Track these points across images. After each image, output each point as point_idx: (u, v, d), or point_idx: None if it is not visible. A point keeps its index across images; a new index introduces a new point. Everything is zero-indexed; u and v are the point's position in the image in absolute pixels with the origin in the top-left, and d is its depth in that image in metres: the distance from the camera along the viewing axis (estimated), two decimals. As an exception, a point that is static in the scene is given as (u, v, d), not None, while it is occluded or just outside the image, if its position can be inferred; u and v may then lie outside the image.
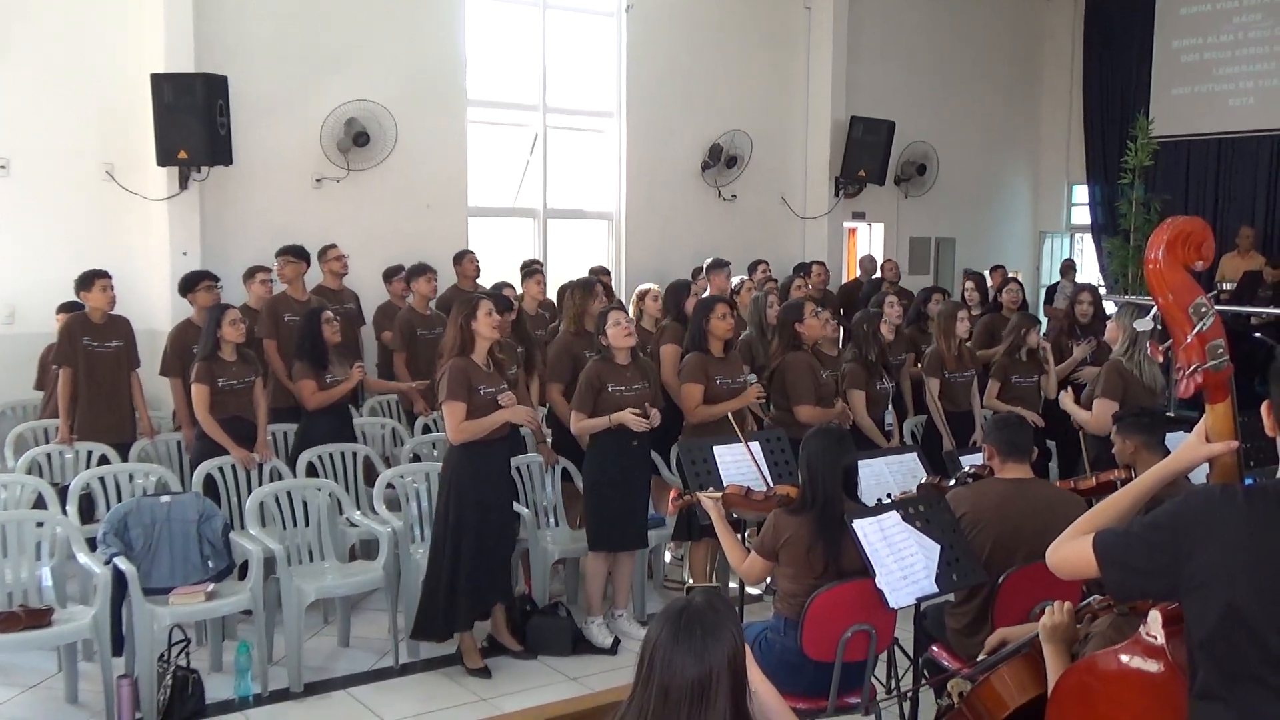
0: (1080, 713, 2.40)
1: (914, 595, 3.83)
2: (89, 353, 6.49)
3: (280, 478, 5.92)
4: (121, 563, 4.85)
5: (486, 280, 8.51)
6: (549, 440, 6.43)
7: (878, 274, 11.10)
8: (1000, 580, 3.96)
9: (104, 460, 6.25)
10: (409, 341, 7.58)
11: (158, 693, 4.76)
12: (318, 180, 8.71)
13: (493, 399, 5.13)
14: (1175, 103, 13.20)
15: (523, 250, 9.94)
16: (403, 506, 5.79)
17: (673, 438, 6.10)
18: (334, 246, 8.01)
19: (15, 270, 7.64)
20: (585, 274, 8.42)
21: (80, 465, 6.26)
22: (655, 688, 2.09)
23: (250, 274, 7.38)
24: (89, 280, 6.50)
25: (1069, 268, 12.70)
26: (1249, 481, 2.26)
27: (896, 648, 4.52)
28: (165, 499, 5.25)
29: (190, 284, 6.96)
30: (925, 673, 4.18)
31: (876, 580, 3.74)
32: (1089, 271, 13.81)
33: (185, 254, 7.89)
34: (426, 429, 7.10)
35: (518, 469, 6.01)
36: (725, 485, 4.61)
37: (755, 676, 2.28)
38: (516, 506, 5.78)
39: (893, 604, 3.77)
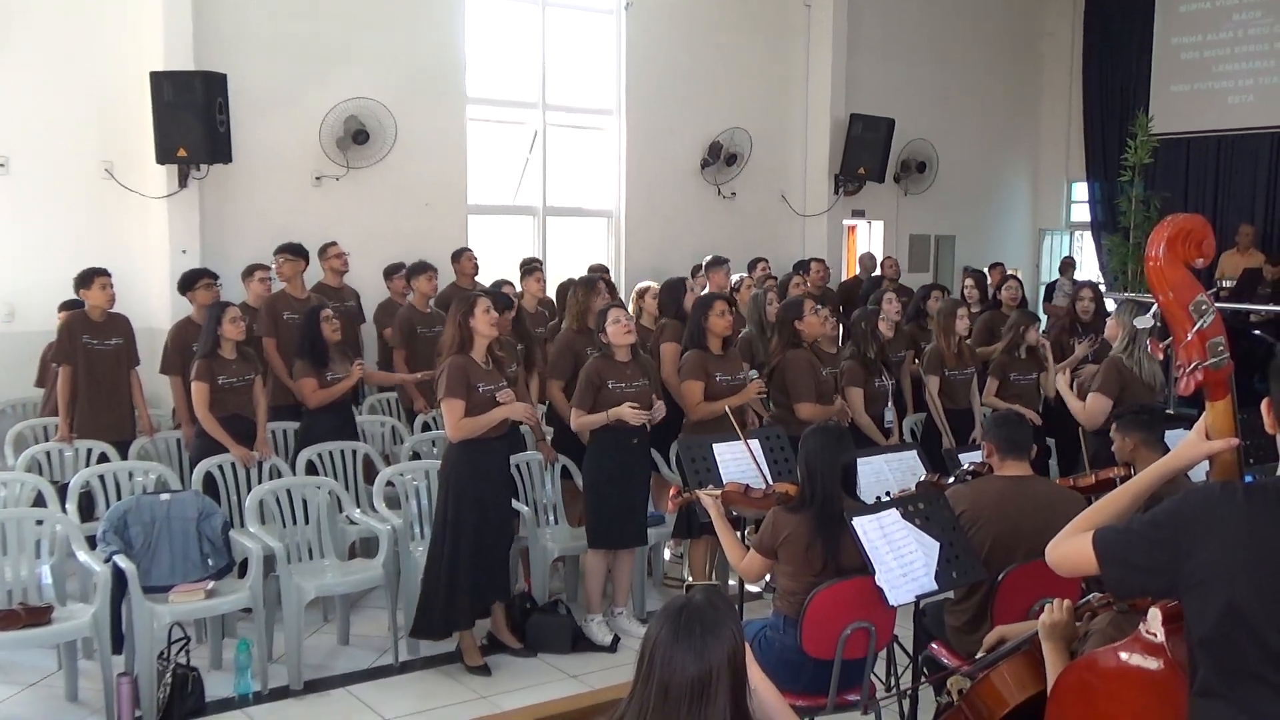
0: (1080, 710, 2.40)
1: (913, 593, 3.83)
2: (88, 351, 6.49)
3: (280, 476, 5.93)
4: (121, 561, 4.85)
5: (486, 278, 8.51)
6: (549, 438, 6.43)
7: (877, 271, 11.10)
8: (1000, 578, 3.96)
9: (103, 458, 6.25)
10: (409, 339, 7.59)
11: (157, 691, 4.76)
12: (317, 178, 8.71)
13: (491, 396, 5.13)
14: (1175, 100, 13.20)
15: (522, 248, 9.94)
16: (402, 504, 5.79)
17: (672, 436, 6.10)
18: (334, 244, 8.01)
19: (15, 268, 7.64)
20: (585, 272, 8.44)
21: (80, 463, 6.26)
22: (655, 685, 2.09)
23: (249, 272, 7.37)
24: (88, 278, 6.50)
25: (1068, 265, 12.70)
26: (1249, 479, 2.26)
27: (896, 645, 4.52)
28: (165, 497, 5.25)
29: (190, 282, 6.96)
30: (925, 670, 4.18)
31: (876, 578, 3.74)
32: (1088, 269, 13.82)
33: (185, 252, 7.89)
34: (426, 427, 7.10)
35: (517, 467, 6.01)
36: (724, 483, 4.61)
37: (755, 674, 2.28)
38: (516, 504, 5.79)
39: (892, 601, 3.77)
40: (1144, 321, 5.64)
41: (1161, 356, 5.78)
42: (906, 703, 4.28)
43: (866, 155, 11.54)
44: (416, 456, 6.44)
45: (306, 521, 5.55)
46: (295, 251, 7.47)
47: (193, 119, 7.65)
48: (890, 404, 6.70)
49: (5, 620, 4.55)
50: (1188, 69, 13.18)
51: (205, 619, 5.34)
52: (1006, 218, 14.16)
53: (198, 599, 4.95)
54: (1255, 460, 3.25)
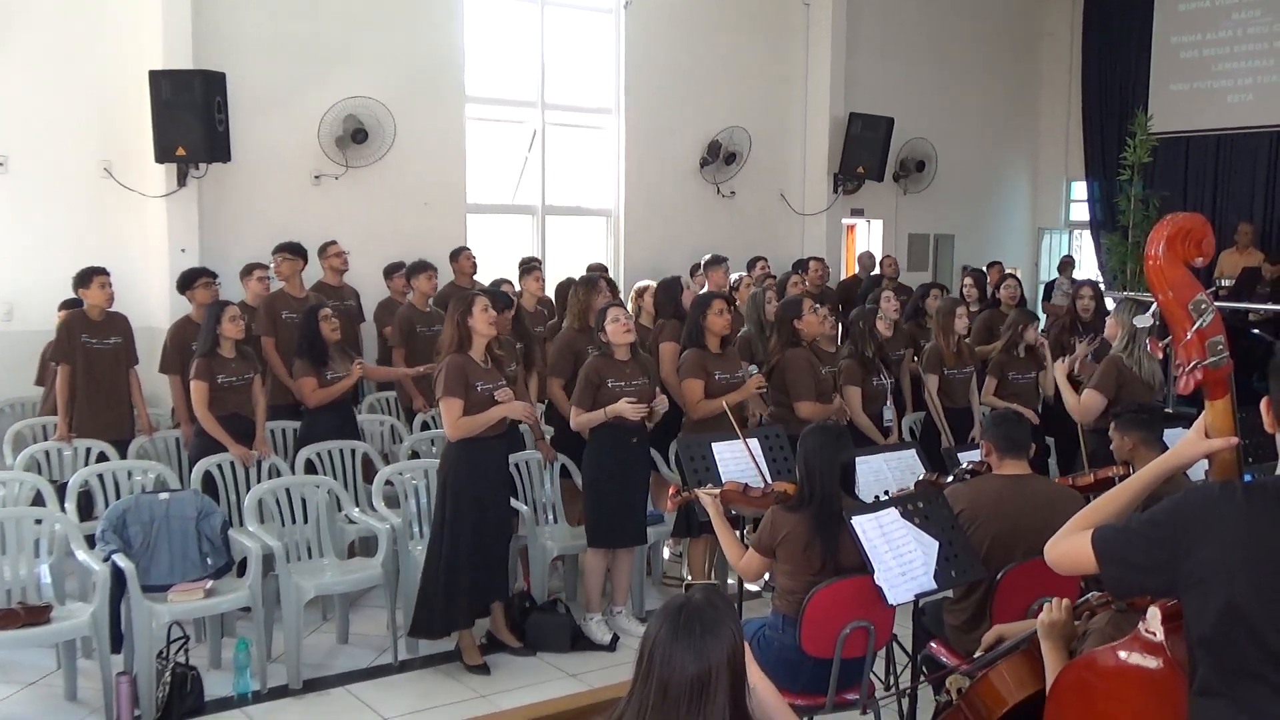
0: (1079, 709, 2.39)
1: (912, 592, 3.83)
2: (87, 350, 6.49)
3: (279, 475, 5.93)
4: (120, 560, 4.85)
5: (485, 277, 8.51)
6: (549, 437, 6.43)
7: (876, 270, 11.11)
8: (999, 576, 3.96)
9: (102, 457, 6.25)
10: (408, 338, 7.58)
11: (156, 690, 4.76)
12: (316, 177, 8.70)
13: (490, 395, 5.13)
14: (1174, 99, 13.20)
15: (521, 247, 9.93)
16: (401, 503, 5.79)
17: (671, 435, 6.11)
18: (334, 243, 8.02)
19: (14, 267, 7.64)
20: (584, 271, 8.44)
21: (79, 462, 6.25)
22: (654, 684, 2.09)
23: (247, 271, 7.37)
24: (87, 277, 6.50)
25: (1067, 264, 12.70)
26: (1248, 478, 2.26)
27: (895, 644, 4.52)
28: (164, 496, 5.25)
29: (189, 281, 6.96)
30: (924, 669, 4.18)
31: (875, 577, 3.74)
32: (1088, 268, 13.82)
33: (184, 251, 7.89)
34: (425, 426, 7.10)
35: (516, 466, 6.01)
36: (723, 482, 4.61)
37: (754, 674, 2.28)
38: (515, 503, 5.79)
39: (891, 600, 3.77)
40: (1143, 320, 5.64)
41: (1161, 355, 5.78)
42: (905, 702, 4.28)
43: (865, 154, 11.54)
44: (415, 455, 6.44)
45: (305, 521, 5.55)
46: (294, 250, 7.47)
47: (192, 118, 7.65)
48: (890, 402, 6.69)
49: (4, 619, 4.55)
50: (1187, 68, 13.18)
51: (204, 618, 5.34)
52: (1005, 217, 14.16)
53: (197, 598, 4.95)
54: (1254, 459, 3.26)
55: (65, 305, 6.88)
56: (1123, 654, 2.31)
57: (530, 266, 8.13)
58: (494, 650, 5.52)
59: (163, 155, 7.74)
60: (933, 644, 4.15)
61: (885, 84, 12.07)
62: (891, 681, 4.61)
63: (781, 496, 4.29)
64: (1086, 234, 14.35)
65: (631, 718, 2.11)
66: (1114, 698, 2.34)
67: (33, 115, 7.66)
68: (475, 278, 8.43)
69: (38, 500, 5.53)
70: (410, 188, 9.12)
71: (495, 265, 9.03)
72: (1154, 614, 2.24)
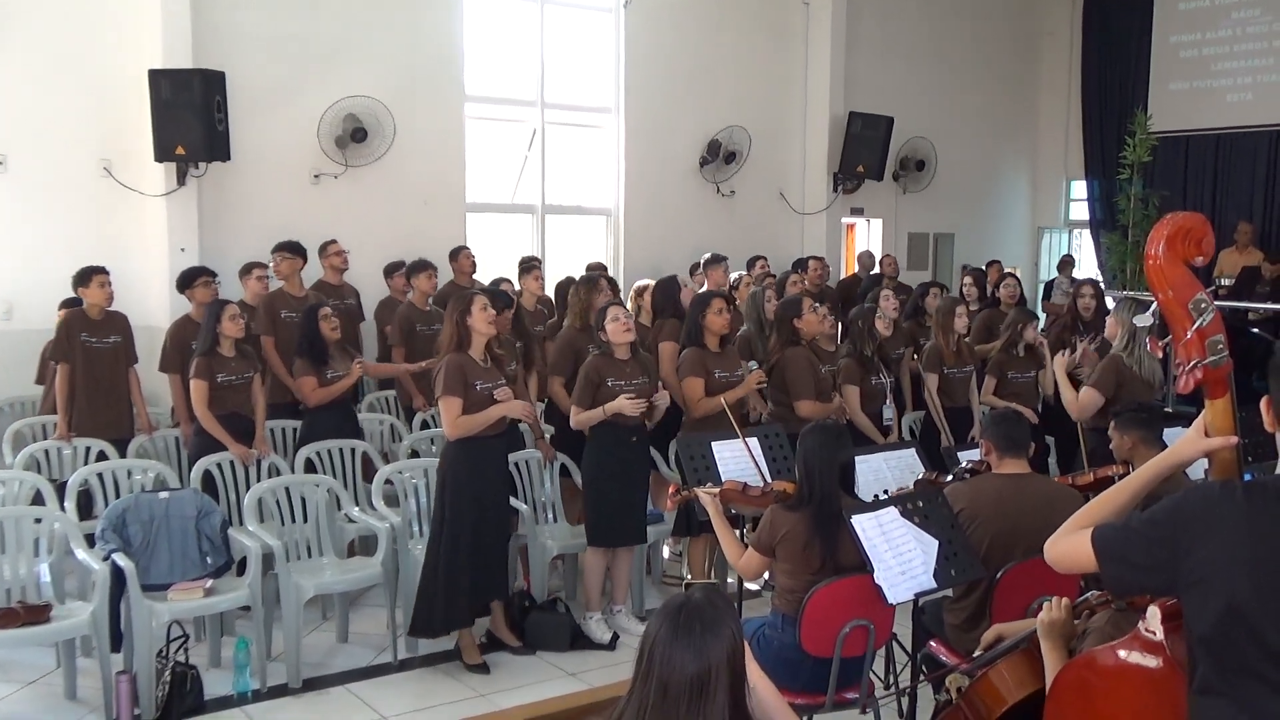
0: (1079, 708, 2.40)
1: (912, 591, 3.83)
2: (87, 349, 6.48)
3: (278, 474, 5.93)
4: (120, 559, 4.85)
5: (485, 276, 8.50)
6: (550, 436, 6.43)
7: (876, 269, 11.11)
8: (998, 576, 3.96)
9: (102, 456, 6.25)
10: (408, 337, 7.58)
11: (156, 689, 4.76)
12: (315, 176, 8.70)
13: (489, 394, 5.13)
14: (1174, 98, 13.20)
15: (521, 246, 9.93)
16: (401, 502, 5.79)
17: (671, 434, 6.10)
18: (334, 242, 8.03)
19: (13, 266, 7.63)
20: (583, 270, 8.44)
21: (78, 461, 6.25)
22: (654, 683, 2.09)
23: (246, 270, 7.37)
24: (87, 276, 6.50)
25: (1067, 263, 12.70)
26: (1247, 477, 2.26)
27: (895, 643, 4.52)
28: (163, 495, 5.25)
29: (188, 280, 6.95)
30: (923, 668, 4.17)
31: (874, 576, 3.75)
32: (1087, 267, 13.82)
33: (183, 250, 7.89)
34: (425, 425, 7.10)
35: (516, 465, 6.01)
36: (723, 481, 4.61)
37: (754, 673, 2.28)
38: (515, 502, 5.79)
39: (891, 599, 3.77)
40: (1143, 320, 5.64)
41: (1161, 354, 5.78)
42: (905, 700, 4.28)
43: (865, 153, 11.54)
44: (415, 454, 6.44)
45: (305, 520, 5.55)
46: (293, 250, 7.47)
47: (191, 117, 7.65)
48: (889, 401, 6.69)
49: (4, 618, 4.54)
50: (1186, 67, 13.18)
51: (204, 617, 5.34)
52: (1005, 216, 14.16)
53: (196, 597, 4.95)
54: (1254, 458, 3.26)
55: (65, 304, 6.88)
56: (1122, 653, 2.31)
57: (530, 265, 8.13)
58: (493, 649, 5.52)
59: (162, 154, 7.74)
60: (932, 643, 4.14)
61: (885, 83, 12.06)
62: (891, 680, 4.61)
63: (781, 495, 4.29)
64: (1086, 233, 14.36)
65: (631, 717, 2.11)
66: (1114, 697, 2.34)
67: (32, 114, 7.65)
68: (475, 277, 8.43)
69: (37, 499, 5.53)
70: (410, 187, 9.12)
71: (495, 264, 9.03)
72: (1154, 613, 2.24)
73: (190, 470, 5.98)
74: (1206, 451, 2.28)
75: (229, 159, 8.01)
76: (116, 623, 4.84)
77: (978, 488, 4.22)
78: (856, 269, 11.73)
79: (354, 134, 8.64)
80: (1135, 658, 2.28)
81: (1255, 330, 10.39)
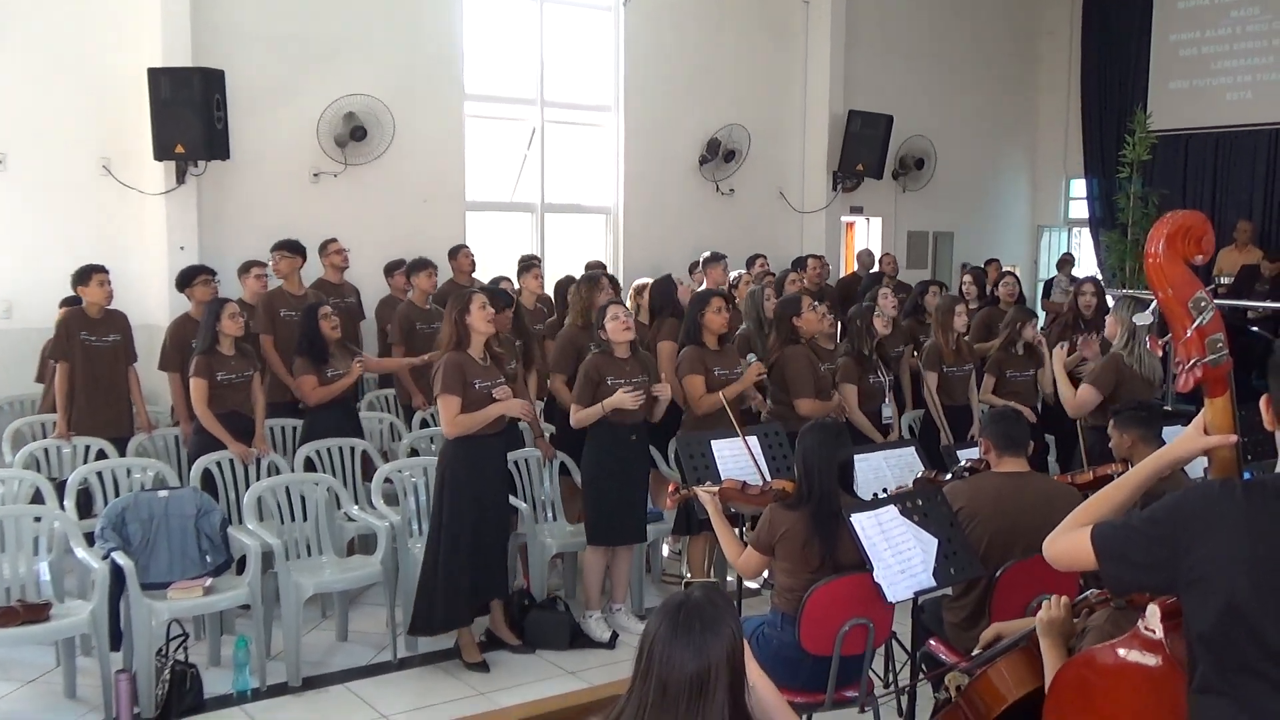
0: (1078, 707, 2.40)
1: (911, 589, 3.84)
2: (86, 347, 6.48)
3: (278, 472, 5.92)
4: (119, 557, 4.85)
5: (484, 275, 8.50)
6: (549, 436, 6.43)
7: (876, 268, 11.11)
8: (998, 574, 3.97)
9: (101, 455, 6.25)
10: (408, 335, 7.58)
11: (156, 687, 4.76)
12: (315, 175, 8.70)
13: (488, 393, 5.13)
14: (1173, 96, 13.20)
15: (520, 245, 9.93)
16: (400, 501, 5.79)
17: (671, 432, 6.10)
18: (334, 240, 8.03)
19: (12, 265, 7.63)
20: (583, 269, 8.44)
21: (78, 460, 6.25)
22: (654, 682, 2.09)
23: (244, 269, 7.36)
24: (86, 275, 6.50)
25: (1066, 262, 12.70)
26: (1247, 475, 2.26)
27: (894, 642, 4.52)
28: (163, 494, 5.25)
29: (188, 279, 6.95)
30: (923, 667, 4.18)
31: (874, 574, 3.75)
32: (1087, 266, 13.82)
33: (183, 248, 7.89)
34: (424, 423, 7.10)
35: (515, 463, 6.01)
36: (722, 479, 4.61)
37: (753, 671, 2.28)
38: (514, 501, 5.79)
39: (890, 598, 3.78)
40: (1143, 318, 5.65)
41: (1161, 353, 5.78)
42: (904, 699, 4.28)
43: (865, 152, 11.54)
44: (415, 453, 6.44)
45: (305, 518, 5.55)
46: (292, 248, 7.47)
47: (190, 115, 7.65)
48: (888, 400, 6.69)
49: (3, 617, 4.54)
50: (1186, 65, 13.18)
51: (204, 616, 5.35)
52: (1005, 214, 14.16)
53: (196, 596, 4.95)
54: (1253, 457, 3.26)
55: (65, 302, 6.88)
56: (1122, 652, 2.31)
57: (529, 264, 8.13)
58: (493, 648, 5.52)
59: (161, 153, 7.73)
60: (932, 641, 4.15)
61: (884, 81, 12.06)
62: (890, 679, 4.61)
63: (780, 494, 4.29)
64: (1085, 231, 14.35)
65: (631, 715, 2.11)
66: (1113, 695, 2.34)
67: (32, 112, 7.65)
68: (474, 275, 8.43)
69: (37, 498, 5.53)
70: (409, 185, 9.12)
71: (494, 263, 9.03)
72: (1153, 611, 2.24)
73: (190, 469, 5.98)
74: (1205, 449, 2.28)
75: (228, 157, 8.00)
76: (116, 621, 4.84)
77: (977, 486, 4.22)
78: (856, 268, 11.73)
79: (353, 132, 8.64)
80: (1135, 656, 2.28)
81: (1254, 329, 10.39)
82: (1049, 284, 12.92)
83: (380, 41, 8.92)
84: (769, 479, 4.77)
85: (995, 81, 13.56)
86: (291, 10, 8.51)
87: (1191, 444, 2.30)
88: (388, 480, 5.84)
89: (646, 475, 6.00)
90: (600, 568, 5.72)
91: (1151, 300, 2.23)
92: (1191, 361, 2.21)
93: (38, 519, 5.08)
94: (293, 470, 5.98)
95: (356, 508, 5.90)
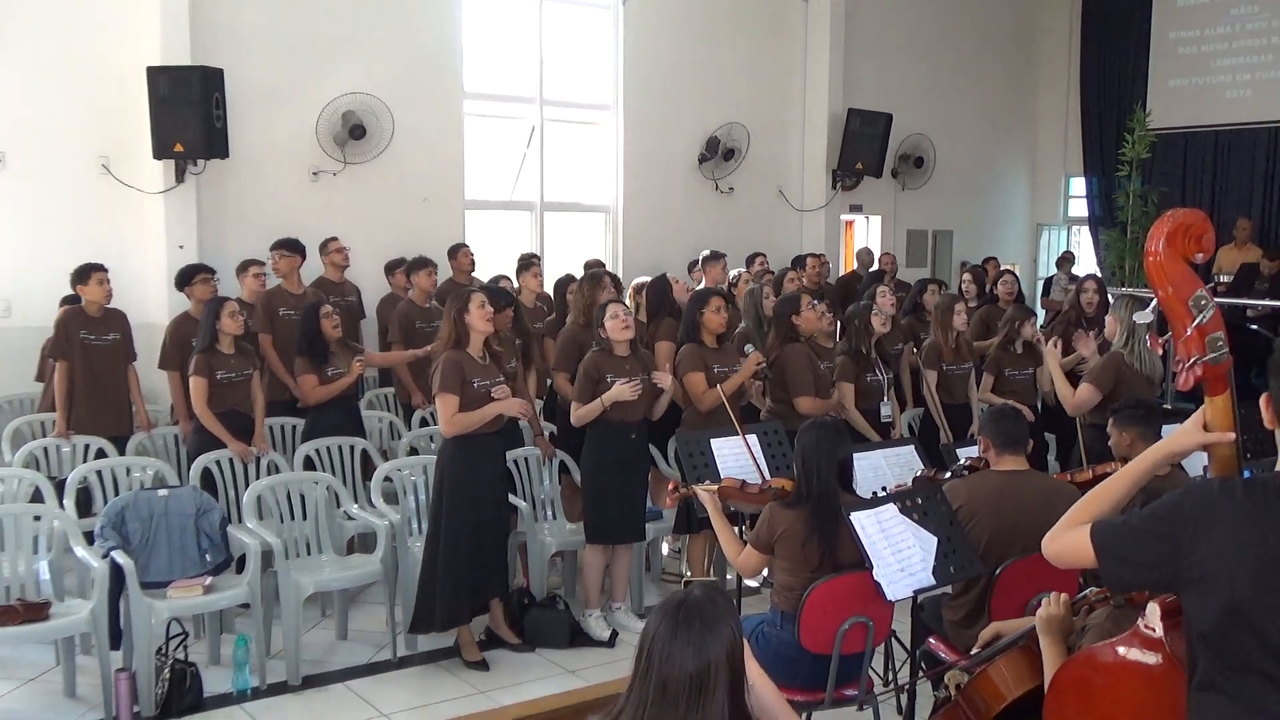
0: (1078, 705, 2.40)
1: (911, 587, 3.84)
2: (86, 346, 6.48)
3: (278, 471, 5.92)
4: (119, 556, 4.85)
5: (484, 273, 8.50)
6: (550, 434, 6.43)
7: (875, 266, 11.11)
8: (997, 572, 3.97)
9: (101, 454, 6.25)
10: (408, 334, 7.58)
11: (156, 686, 4.76)
12: (314, 173, 8.69)
13: (486, 392, 5.13)
14: (1173, 95, 13.20)
15: (520, 243, 9.93)
16: (400, 500, 5.79)
17: (671, 431, 6.10)
18: (335, 239, 8.04)
19: (11, 263, 7.62)
20: (582, 267, 8.44)
21: (77, 459, 6.25)
22: (654, 681, 2.09)
23: (243, 268, 7.36)
24: (85, 274, 6.49)
25: (1066, 259, 12.71)
26: (1246, 474, 2.26)
27: (894, 640, 4.53)
28: (163, 492, 5.25)
29: (187, 277, 6.95)
30: (923, 665, 4.18)
31: (874, 573, 3.75)
32: (1086, 264, 13.82)
33: (182, 247, 7.89)
34: (424, 422, 7.10)
35: (515, 462, 6.01)
36: (721, 478, 4.61)
37: (753, 670, 2.28)
38: (514, 499, 5.79)
39: (890, 596, 3.78)
40: (1143, 317, 5.65)
41: (1161, 351, 5.79)
42: (904, 697, 4.28)
43: (864, 150, 11.54)
44: (414, 452, 6.44)
45: (304, 517, 5.55)
46: (291, 247, 7.47)
47: (189, 114, 7.64)
48: (887, 398, 6.68)
49: (3, 616, 4.54)
50: (1185, 64, 13.18)
51: (203, 614, 5.35)
52: (1004, 213, 14.16)
53: (196, 594, 4.95)
54: (1253, 455, 3.26)
55: (65, 301, 6.88)
56: (1122, 650, 2.31)
57: (529, 263, 8.13)
58: (493, 646, 5.52)
59: (160, 151, 7.73)
60: (931, 640, 4.15)
61: (884, 80, 12.06)
62: (890, 677, 4.62)
63: (779, 493, 4.29)
64: (1085, 230, 14.35)
65: (630, 714, 2.11)
66: (1113, 693, 2.34)
67: (30, 111, 7.64)
68: (474, 274, 8.43)
69: (36, 497, 5.53)
70: (408, 184, 9.12)
71: (494, 261, 9.03)
72: (1153, 610, 2.24)
73: (189, 467, 5.98)
74: (1203, 444, 2.27)
75: (227, 156, 8.00)
76: (116, 620, 4.84)
77: (976, 485, 4.22)
78: (855, 266, 11.73)
79: (353, 131, 8.64)
80: (1134, 654, 2.28)
81: (1254, 327, 10.39)
82: (1049, 282, 12.92)
83: (379, 40, 8.92)
84: (768, 477, 4.77)
85: (995, 80, 13.56)
86: (290, 9, 8.50)
87: (1190, 438, 2.29)
88: (387, 479, 5.84)
89: (646, 474, 6.00)
90: (600, 566, 5.73)
91: (1151, 299, 2.23)
92: (1192, 360, 2.20)
93: (37, 518, 5.08)
94: (292, 469, 5.98)
95: (356, 506, 5.90)
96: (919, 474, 4.81)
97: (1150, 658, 2.25)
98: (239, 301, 6.74)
